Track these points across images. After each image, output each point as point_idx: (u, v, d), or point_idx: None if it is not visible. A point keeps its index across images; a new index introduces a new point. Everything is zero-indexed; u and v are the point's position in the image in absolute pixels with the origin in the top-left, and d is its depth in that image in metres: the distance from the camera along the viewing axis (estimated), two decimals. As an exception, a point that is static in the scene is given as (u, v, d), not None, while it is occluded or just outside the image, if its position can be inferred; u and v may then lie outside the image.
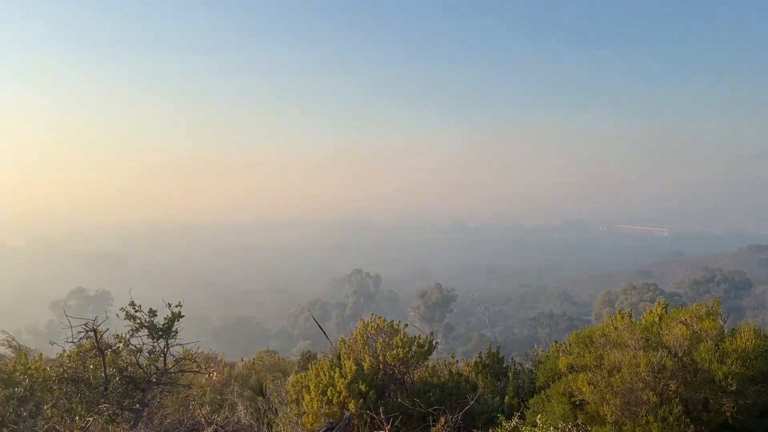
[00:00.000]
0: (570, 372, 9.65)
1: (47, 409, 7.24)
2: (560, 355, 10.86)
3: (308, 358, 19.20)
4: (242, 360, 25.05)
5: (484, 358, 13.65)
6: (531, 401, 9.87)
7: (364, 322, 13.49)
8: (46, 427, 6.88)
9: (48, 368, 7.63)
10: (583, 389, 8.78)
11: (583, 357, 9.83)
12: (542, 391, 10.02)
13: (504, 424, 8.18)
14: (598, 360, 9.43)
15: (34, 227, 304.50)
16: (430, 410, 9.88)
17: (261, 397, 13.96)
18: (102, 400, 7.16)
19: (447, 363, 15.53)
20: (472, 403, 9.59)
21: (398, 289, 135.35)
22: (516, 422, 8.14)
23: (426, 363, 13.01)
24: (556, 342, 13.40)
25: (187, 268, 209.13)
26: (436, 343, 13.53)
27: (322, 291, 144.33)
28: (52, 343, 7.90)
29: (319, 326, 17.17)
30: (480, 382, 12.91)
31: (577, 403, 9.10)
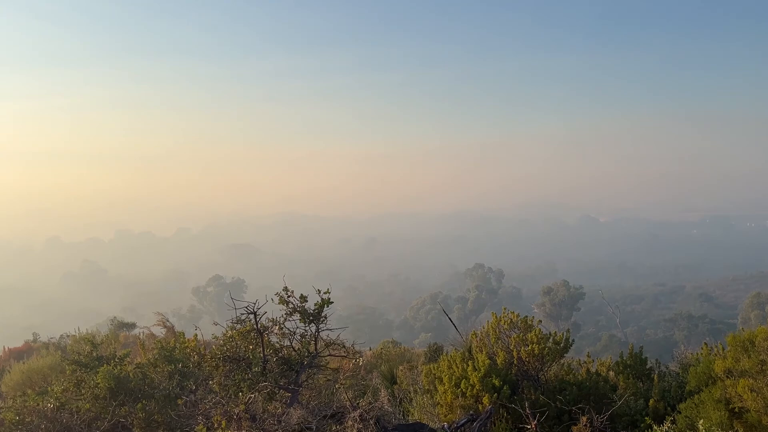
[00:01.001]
0: (728, 377, 8.98)
1: (213, 383, 7.89)
2: (714, 358, 10.13)
3: (435, 350, 19.34)
4: (370, 349, 25.72)
5: (625, 358, 13.02)
6: (681, 406, 9.30)
7: (496, 317, 13.38)
8: (213, 400, 7.50)
9: (213, 347, 8.32)
10: (745, 396, 8.15)
11: (741, 362, 9.11)
12: (694, 396, 9.41)
13: (655, 428, 7.77)
14: (761, 365, 8.70)
15: (180, 219, 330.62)
16: (573, 408, 9.59)
17: (395, 386, 14.29)
18: (262, 379, 7.68)
19: (582, 362, 15.01)
20: (619, 403, 9.21)
21: (521, 285, 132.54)
22: (669, 426, 7.71)
23: (561, 361, 12.69)
24: (706, 344, 12.51)
25: (312, 258, 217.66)
26: (572, 340, 13.15)
27: (443, 284, 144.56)
28: (215, 324, 8.59)
29: (450, 320, 17.33)
30: (621, 383, 12.33)
31: (736, 410, 8.47)
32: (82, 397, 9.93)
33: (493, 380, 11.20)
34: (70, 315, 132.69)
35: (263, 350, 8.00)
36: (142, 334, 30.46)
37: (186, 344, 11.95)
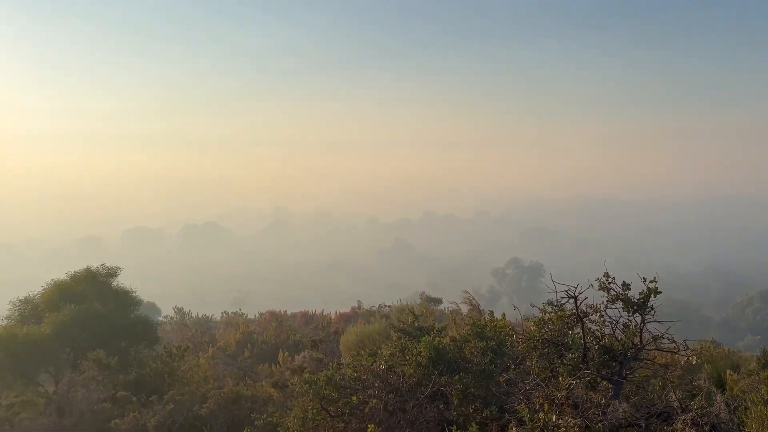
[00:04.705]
0: None
1: (532, 365, 7.92)
2: None
3: (773, 356, 16.70)
4: (688, 347, 23.29)
5: None
6: None
7: None
8: (534, 382, 7.53)
9: (530, 327, 8.35)
10: None
11: None
12: None
13: None
14: None
15: (480, 202, 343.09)
16: None
17: (722, 391, 12.65)
18: (582, 366, 7.44)
19: None
20: None
21: None
22: None
23: None
24: None
25: (614, 245, 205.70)
26: None
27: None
28: (532, 306, 8.61)
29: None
30: None
31: None
32: (406, 362, 10.90)
33: None
34: (383, 286, 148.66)
35: (584, 336, 7.72)
36: (447, 309, 32.43)
37: (496, 323, 12.28)
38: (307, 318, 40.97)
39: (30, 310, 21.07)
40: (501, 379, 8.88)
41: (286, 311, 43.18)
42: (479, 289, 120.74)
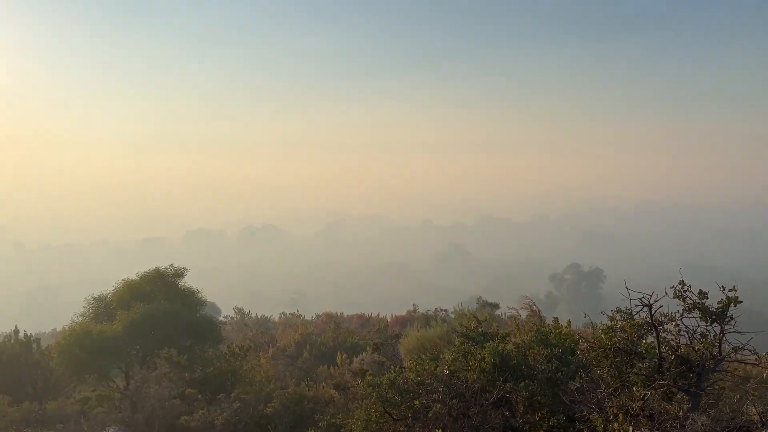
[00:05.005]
0: None
1: (604, 374, 7.74)
2: None
3: None
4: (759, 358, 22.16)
5: None
6: None
7: None
8: (607, 391, 7.37)
9: (601, 335, 8.15)
10: None
11: None
12: None
13: None
14: None
15: (538, 205, 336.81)
16: None
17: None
18: (657, 376, 7.23)
19: None
20: None
21: None
22: None
23: None
24: None
25: (680, 251, 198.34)
26: None
27: None
28: (602, 313, 8.42)
29: None
30: None
31: None
32: (469, 367, 10.82)
33: None
34: (437, 290, 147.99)
35: (658, 346, 7.49)
36: (504, 315, 31.96)
37: (560, 330, 12.05)
38: (363, 320, 41.25)
39: (103, 308, 22.03)
40: (571, 388, 8.69)
41: (342, 313, 43.58)
42: (537, 295, 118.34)
